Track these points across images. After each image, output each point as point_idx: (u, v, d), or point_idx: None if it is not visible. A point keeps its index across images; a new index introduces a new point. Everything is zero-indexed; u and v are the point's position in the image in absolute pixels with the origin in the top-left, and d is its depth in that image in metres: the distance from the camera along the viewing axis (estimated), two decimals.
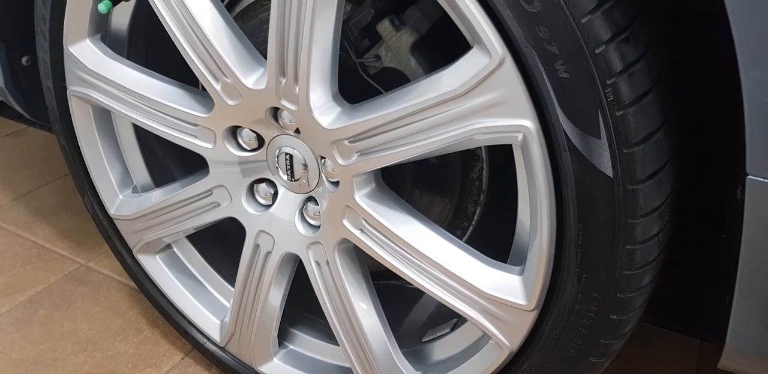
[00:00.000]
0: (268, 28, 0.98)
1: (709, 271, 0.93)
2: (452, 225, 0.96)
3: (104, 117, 1.07)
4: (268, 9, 0.97)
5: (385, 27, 0.81)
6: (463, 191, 0.94)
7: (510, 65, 0.63)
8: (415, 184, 0.97)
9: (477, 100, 0.67)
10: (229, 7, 0.99)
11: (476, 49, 0.66)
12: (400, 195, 0.94)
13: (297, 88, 0.82)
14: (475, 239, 0.96)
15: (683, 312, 1.13)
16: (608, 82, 0.60)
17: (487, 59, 0.64)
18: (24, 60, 1.18)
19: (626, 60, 0.60)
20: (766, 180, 0.56)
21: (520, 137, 0.66)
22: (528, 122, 0.65)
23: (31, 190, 1.92)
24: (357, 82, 0.88)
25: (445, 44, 0.80)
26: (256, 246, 1.00)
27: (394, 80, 0.85)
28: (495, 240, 0.91)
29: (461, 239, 0.96)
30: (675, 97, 0.64)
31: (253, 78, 0.86)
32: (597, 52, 0.59)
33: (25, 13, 1.10)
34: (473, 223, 0.95)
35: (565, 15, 0.59)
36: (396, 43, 0.81)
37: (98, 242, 1.65)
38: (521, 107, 0.65)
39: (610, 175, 0.63)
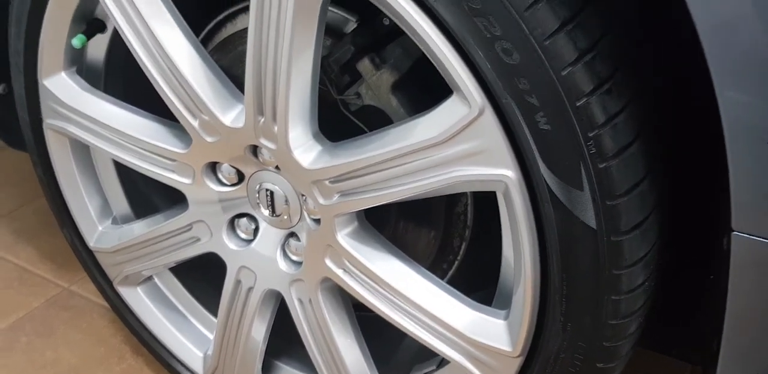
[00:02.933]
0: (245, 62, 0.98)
1: (699, 302, 0.92)
2: (438, 259, 0.95)
3: (81, 149, 1.05)
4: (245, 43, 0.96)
5: (365, 66, 0.80)
6: (448, 225, 0.92)
7: (490, 115, 0.62)
8: (399, 217, 0.96)
9: (457, 148, 0.65)
10: (207, 39, 0.97)
11: (456, 96, 0.64)
12: (385, 228, 0.93)
13: (276, 128, 0.80)
14: (462, 273, 0.95)
15: (674, 336, 1.12)
16: (590, 134, 0.59)
17: (466, 109, 0.63)
18: (0, 88, 1.16)
19: (608, 112, 0.59)
20: (751, 237, 0.55)
21: (502, 186, 0.65)
22: (509, 172, 0.63)
23: (13, 209, 1.89)
24: (338, 118, 0.86)
25: (426, 83, 0.79)
26: (238, 282, 0.98)
27: (375, 117, 0.84)
28: (482, 275, 0.90)
29: (448, 273, 0.95)
30: (659, 147, 0.63)
31: (232, 115, 0.84)
32: (578, 104, 0.58)
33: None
34: (459, 257, 0.93)
35: (545, 67, 0.57)
36: (376, 82, 0.79)
37: (81, 265, 1.63)
38: (502, 156, 0.63)
39: (594, 226, 0.62)
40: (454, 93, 0.65)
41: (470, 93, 0.62)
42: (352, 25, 0.85)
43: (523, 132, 0.61)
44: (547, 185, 0.62)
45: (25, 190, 1.96)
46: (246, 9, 0.94)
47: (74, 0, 0.87)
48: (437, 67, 0.65)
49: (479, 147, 0.64)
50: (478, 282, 0.89)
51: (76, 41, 0.90)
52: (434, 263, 0.94)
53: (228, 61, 0.97)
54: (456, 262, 0.94)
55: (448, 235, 0.93)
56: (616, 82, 0.59)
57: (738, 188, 0.54)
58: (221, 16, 0.95)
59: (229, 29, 0.96)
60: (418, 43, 0.63)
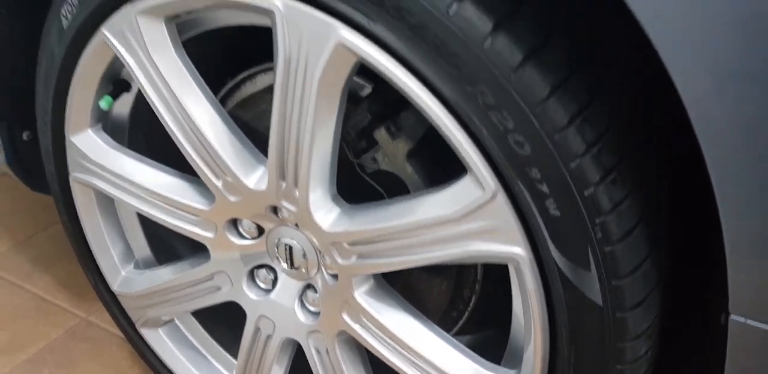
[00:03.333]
0: (265, 119, 1.02)
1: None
2: (449, 309, 0.99)
3: (106, 198, 1.09)
4: (266, 101, 1.00)
5: (381, 135, 0.83)
6: (459, 278, 0.96)
7: (502, 199, 0.66)
8: (412, 268, 0.99)
9: (471, 225, 0.69)
10: (225, 99, 1.01)
11: (469, 177, 0.68)
12: (398, 278, 0.96)
13: (297, 192, 0.84)
14: (472, 323, 0.98)
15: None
16: (597, 220, 0.63)
17: (480, 191, 0.67)
18: (25, 135, 1.20)
19: (613, 200, 0.62)
20: (747, 321, 0.59)
21: (513, 262, 0.69)
22: (520, 251, 0.67)
23: (30, 236, 1.93)
24: (354, 179, 0.90)
25: (440, 151, 0.83)
26: (257, 329, 1.02)
27: (391, 180, 0.88)
28: (492, 326, 0.94)
29: (458, 323, 0.99)
30: (660, 229, 0.67)
31: (254, 178, 0.88)
32: (586, 194, 0.62)
33: (22, 93, 1.12)
34: (469, 308, 0.97)
35: (555, 159, 0.61)
36: (392, 150, 0.83)
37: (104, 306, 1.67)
38: (514, 236, 0.67)
39: (600, 303, 0.66)
40: (468, 174, 0.69)
41: (484, 178, 0.66)
42: (367, 90, 0.89)
43: (534, 216, 0.64)
44: (557, 264, 0.66)
45: (40, 216, 2.00)
46: (265, 70, 0.98)
47: (102, 64, 0.91)
48: (453, 148, 0.69)
49: (492, 226, 0.68)
50: (488, 334, 0.93)
51: (104, 103, 0.94)
52: (445, 313, 0.98)
53: (248, 119, 1.01)
54: (466, 312, 0.98)
55: (459, 287, 0.97)
56: (620, 171, 0.63)
57: (734, 272, 0.57)
58: (241, 77, 0.99)
59: (249, 88, 1.00)
60: (438, 130, 0.67)
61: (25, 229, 1.93)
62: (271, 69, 0.98)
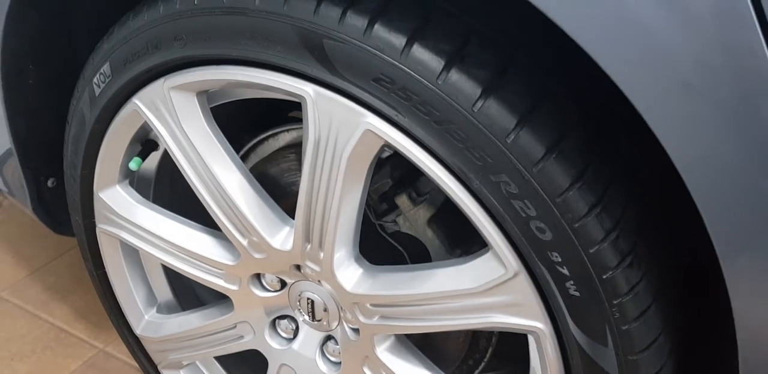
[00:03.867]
0: (287, 176, 1.05)
1: None
2: (466, 358, 1.02)
3: (130, 249, 1.12)
4: (289, 160, 1.04)
5: (403, 201, 0.87)
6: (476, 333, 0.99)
7: (524, 278, 0.69)
8: None
9: (493, 299, 0.73)
10: (246, 156, 1.04)
11: (491, 254, 0.72)
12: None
13: (321, 254, 0.87)
14: (488, 370, 1.02)
15: None
16: (615, 302, 0.66)
17: (502, 269, 0.70)
18: (50, 182, 1.23)
19: (630, 283, 0.66)
20: None
21: (534, 334, 0.72)
22: (541, 325, 0.71)
23: (46, 263, 1.96)
24: (375, 239, 0.94)
25: (461, 219, 0.86)
26: None
27: (411, 241, 0.91)
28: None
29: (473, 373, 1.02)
30: (673, 307, 0.71)
31: (279, 239, 0.91)
32: (604, 277, 0.65)
33: (49, 143, 1.15)
34: (485, 358, 1.00)
35: (575, 245, 0.65)
36: (413, 216, 0.87)
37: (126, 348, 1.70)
38: (535, 311, 0.71)
39: None
40: (490, 251, 0.72)
41: (506, 258, 0.69)
42: (387, 153, 0.93)
43: (555, 295, 0.68)
44: (576, 339, 0.69)
45: (57, 243, 2.03)
46: (288, 130, 1.02)
47: (133, 129, 0.94)
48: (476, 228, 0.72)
49: (513, 301, 0.71)
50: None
51: (133, 165, 0.97)
52: (462, 362, 1.02)
53: (271, 174, 1.04)
54: (483, 362, 1.01)
55: (476, 338, 1.00)
56: (636, 255, 0.66)
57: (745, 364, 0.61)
58: (264, 135, 1.03)
59: (272, 145, 1.04)
60: (463, 213, 0.71)
61: (42, 256, 1.96)
62: (293, 129, 1.03)
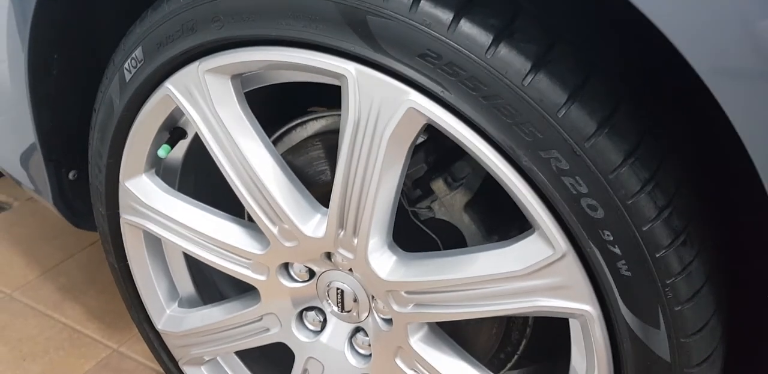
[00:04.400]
0: (317, 165, 1.04)
1: None
2: (498, 351, 1.00)
3: (154, 240, 1.11)
4: (319, 147, 1.03)
5: (439, 186, 0.86)
6: (509, 321, 0.97)
7: (572, 259, 0.68)
8: None
9: (539, 282, 0.71)
10: (275, 143, 1.03)
11: (538, 235, 0.70)
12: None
13: (356, 241, 0.86)
14: (520, 364, 1.00)
15: None
16: (668, 282, 0.65)
17: (549, 250, 0.69)
18: (71, 175, 1.22)
19: (683, 262, 0.65)
20: None
21: (581, 318, 0.71)
22: (589, 308, 0.69)
23: (58, 263, 1.95)
24: (407, 226, 0.92)
25: (499, 200, 0.85)
26: (305, 371, 1.04)
27: (445, 228, 0.90)
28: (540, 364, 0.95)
29: (505, 366, 1.00)
30: (725, 287, 0.69)
31: (311, 225, 0.90)
32: (657, 256, 0.64)
33: (72, 135, 1.15)
34: (518, 352, 0.99)
35: (628, 223, 0.63)
36: (450, 200, 0.86)
37: (128, 323, 1.67)
38: (583, 294, 0.69)
39: (668, 360, 0.68)
40: (536, 231, 0.71)
41: (554, 238, 0.68)
42: (421, 140, 0.92)
43: (605, 276, 0.66)
44: (626, 322, 0.68)
45: (68, 242, 2.02)
46: (317, 118, 1.01)
47: (163, 115, 0.93)
48: (522, 208, 0.71)
49: (560, 283, 0.70)
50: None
51: (162, 152, 0.96)
52: (494, 356, 1.00)
53: (299, 163, 1.03)
54: (515, 355, 0.99)
55: (508, 330, 0.98)
56: (689, 234, 0.65)
57: None
58: (293, 123, 1.02)
59: (301, 134, 1.03)
60: (508, 192, 0.69)
61: (53, 256, 1.94)
62: (321, 117, 1.02)
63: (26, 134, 1.14)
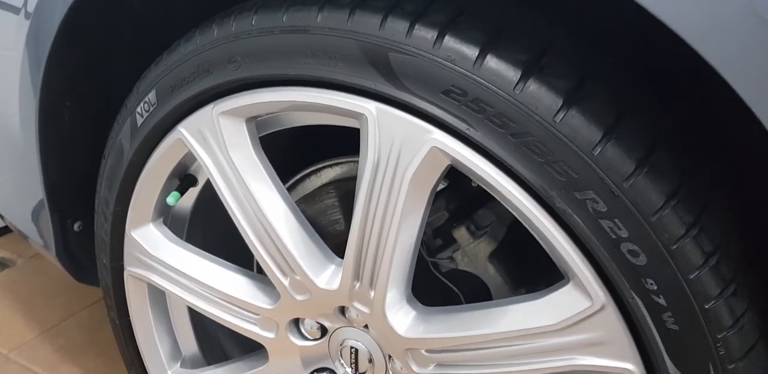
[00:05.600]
0: (331, 212, 1.00)
1: None
2: None
3: (158, 294, 1.05)
4: (333, 195, 0.99)
5: (461, 234, 0.81)
6: None
7: (612, 311, 0.62)
8: None
9: (575, 337, 0.65)
10: (290, 190, 1.00)
11: (573, 285, 0.65)
12: None
13: (372, 293, 0.80)
14: None
15: None
16: (719, 336, 0.59)
17: (587, 301, 0.63)
18: (76, 226, 1.18)
19: (735, 314, 0.59)
20: None
21: None
22: (632, 366, 0.63)
23: (57, 323, 1.88)
24: (427, 279, 0.87)
25: (525, 250, 0.80)
26: None
27: (468, 280, 0.84)
28: None
29: None
30: None
31: (325, 277, 0.85)
32: (707, 307, 0.58)
33: (80, 184, 1.11)
34: None
35: (673, 270, 0.58)
36: (473, 250, 0.81)
37: None
38: (625, 350, 0.63)
39: None
40: (571, 281, 0.65)
41: (592, 288, 0.63)
42: (441, 186, 0.88)
43: (650, 330, 0.61)
44: None
45: (69, 301, 1.96)
46: (332, 166, 0.97)
47: (173, 161, 0.90)
48: (550, 254, 0.66)
49: (600, 339, 0.64)
50: None
51: (171, 199, 0.92)
52: None
53: (312, 212, 0.99)
54: None
55: None
56: (739, 283, 0.60)
57: None
58: (308, 170, 0.98)
59: (315, 182, 0.99)
60: (537, 237, 0.65)
61: (53, 316, 1.88)
62: (336, 164, 0.99)
63: (38, 188, 1.12)
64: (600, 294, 0.62)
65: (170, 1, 0.99)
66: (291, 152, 1.03)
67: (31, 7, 0.90)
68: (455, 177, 0.87)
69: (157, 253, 0.98)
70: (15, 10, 0.96)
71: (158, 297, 1.07)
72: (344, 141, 0.85)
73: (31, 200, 1.16)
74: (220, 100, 0.79)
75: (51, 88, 1.00)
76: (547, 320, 0.66)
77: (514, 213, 0.66)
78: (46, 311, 1.90)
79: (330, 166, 0.97)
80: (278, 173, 0.88)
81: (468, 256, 0.82)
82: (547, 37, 0.64)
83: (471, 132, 0.63)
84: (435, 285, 0.87)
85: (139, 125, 0.89)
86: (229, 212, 0.87)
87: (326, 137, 0.96)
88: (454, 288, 0.86)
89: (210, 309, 0.97)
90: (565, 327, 0.65)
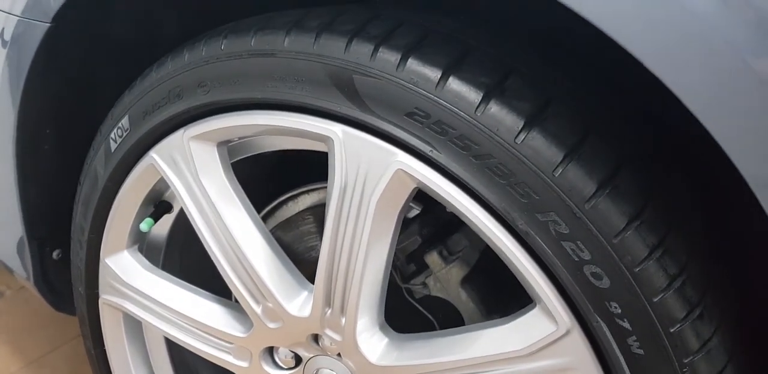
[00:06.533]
0: (307, 239, 0.99)
1: None
2: None
3: (134, 324, 1.04)
4: (310, 221, 0.98)
5: (433, 259, 0.80)
6: None
7: (578, 335, 0.61)
8: None
9: (543, 363, 0.64)
10: (266, 217, 0.99)
11: (539, 309, 0.64)
12: None
13: (343, 320, 0.79)
14: None
15: None
16: (685, 361, 0.57)
17: (552, 326, 0.62)
18: (55, 254, 1.17)
19: (702, 338, 0.58)
20: None
21: None
22: None
23: (42, 355, 1.86)
24: (401, 305, 0.86)
25: (497, 276, 0.79)
26: None
27: (441, 306, 0.83)
28: None
29: None
30: (751, 363, 0.61)
31: (297, 304, 0.83)
32: (672, 331, 0.57)
33: (57, 213, 1.11)
34: None
35: (636, 293, 0.57)
36: (445, 275, 0.80)
37: None
38: None
39: None
40: (538, 306, 0.64)
41: (557, 312, 0.61)
42: (415, 212, 0.87)
43: (615, 355, 0.59)
44: None
45: (54, 333, 1.93)
46: (308, 192, 0.97)
47: (147, 187, 0.90)
48: (520, 281, 0.65)
49: (567, 364, 0.62)
50: None
51: (144, 225, 0.92)
52: None
53: (289, 238, 0.98)
54: None
55: None
56: (706, 306, 0.58)
57: None
58: (284, 197, 0.98)
59: (292, 208, 0.98)
60: (505, 262, 0.64)
61: (39, 347, 1.86)
62: (313, 190, 0.98)
63: (16, 228, 1.11)
64: (565, 317, 0.61)
65: (154, 28, 1.00)
66: (271, 179, 1.03)
67: (7, 36, 0.91)
68: (428, 203, 0.87)
69: (131, 280, 0.97)
70: None
71: (134, 327, 1.05)
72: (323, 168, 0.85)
73: (15, 233, 1.15)
74: (190, 124, 0.79)
75: (29, 113, 1.00)
76: (515, 345, 0.65)
77: (480, 236, 0.65)
78: (32, 343, 1.88)
79: (307, 192, 0.97)
80: (259, 200, 0.87)
81: (440, 281, 0.80)
82: (511, 61, 0.64)
83: (434, 154, 0.63)
84: (409, 313, 0.86)
85: (112, 150, 0.89)
86: (201, 237, 0.86)
87: (306, 164, 0.96)
88: (428, 315, 0.84)
89: (184, 338, 0.95)
90: (532, 353, 0.64)
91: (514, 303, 0.78)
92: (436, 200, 0.73)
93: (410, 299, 0.86)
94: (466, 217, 0.64)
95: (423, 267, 0.83)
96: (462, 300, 0.80)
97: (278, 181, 1.01)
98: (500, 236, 0.62)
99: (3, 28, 0.90)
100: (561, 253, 0.59)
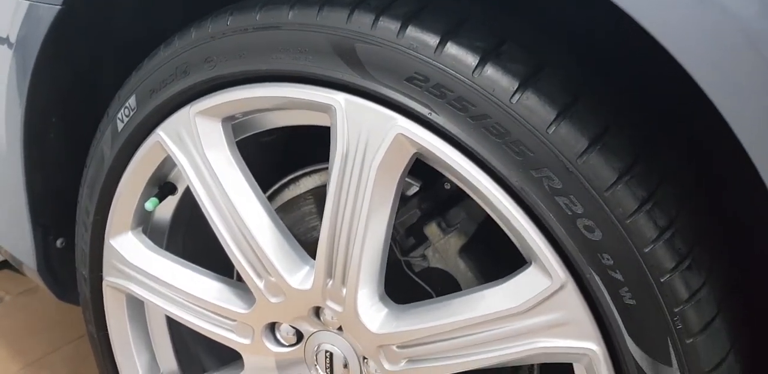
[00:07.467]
0: (308, 220, 1.01)
1: None
2: None
3: (136, 306, 1.05)
4: (311, 202, 1.01)
5: (432, 230, 0.82)
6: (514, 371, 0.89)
7: (572, 289, 0.63)
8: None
9: (538, 319, 0.66)
10: (269, 199, 1.01)
11: (534, 267, 0.66)
12: None
13: (344, 291, 0.81)
14: None
15: None
16: (676, 310, 0.59)
17: (547, 281, 0.64)
18: (59, 242, 1.19)
19: (691, 288, 0.60)
20: None
21: (585, 359, 0.64)
22: (594, 345, 0.63)
23: (42, 356, 1.86)
24: (401, 278, 0.88)
25: (492, 245, 0.81)
26: None
27: (440, 278, 0.85)
28: None
29: None
30: (741, 316, 0.63)
31: (299, 277, 0.85)
32: (662, 280, 0.59)
33: (61, 199, 1.13)
34: None
35: (628, 245, 0.59)
36: (444, 245, 0.82)
37: None
38: (586, 329, 0.63)
39: None
40: (533, 263, 0.66)
41: (552, 267, 0.63)
42: (414, 189, 0.89)
43: (608, 306, 0.61)
44: (635, 360, 0.61)
45: (55, 336, 1.94)
46: (309, 173, 0.99)
47: (152, 166, 0.92)
48: (513, 239, 0.67)
49: (562, 319, 0.64)
50: None
51: (149, 205, 0.94)
52: None
53: (290, 220, 1.00)
54: None
55: None
56: (695, 258, 0.60)
57: None
58: (286, 179, 1.00)
59: (293, 191, 1.01)
60: (497, 220, 0.66)
61: (38, 350, 1.86)
62: (315, 171, 1.01)
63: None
64: (559, 272, 0.63)
65: (158, 22, 1.03)
66: (277, 161, 1.05)
67: (18, 21, 0.94)
68: (427, 180, 0.89)
69: (135, 261, 0.98)
70: None
71: (137, 310, 1.06)
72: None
73: (21, 223, 1.17)
74: (196, 100, 0.82)
75: (36, 104, 1.02)
76: (511, 303, 0.66)
77: (475, 197, 0.67)
78: (31, 345, 1.88)
79: (309, 174, 0.99)
80: (263, 183, 0.89)
81: (439, 252, 0.82)
82: (506, 29, 0.67)
83: (433, 116, 0.66)
84: (409, 286, 0.88)
85: (119, 130, 0.91)
86: (205, 214, 0.88)
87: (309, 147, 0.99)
88: (427, 288, 0.86)
89: (187, 317, 0.96)
90: (528, 309, 0.65)
91: (512, 271, 0.80)
92: (434, 177, 0.76)
93: (409, 272, 0.87)
94: (464, 177, 0.66)
95: (422, 240, 0.85)
96: (460, 269, 0.81)
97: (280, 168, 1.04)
98: (497, 195, 0.64)
99: (14, 12, 0.93)
100: (555, 208, 0.61)
